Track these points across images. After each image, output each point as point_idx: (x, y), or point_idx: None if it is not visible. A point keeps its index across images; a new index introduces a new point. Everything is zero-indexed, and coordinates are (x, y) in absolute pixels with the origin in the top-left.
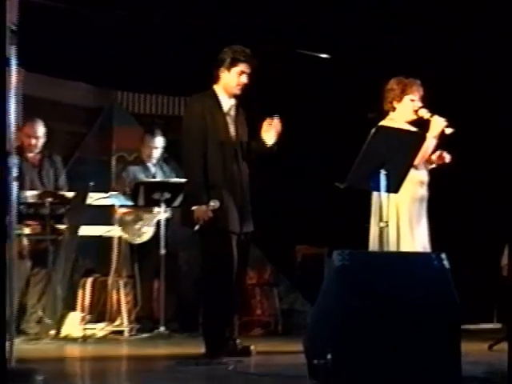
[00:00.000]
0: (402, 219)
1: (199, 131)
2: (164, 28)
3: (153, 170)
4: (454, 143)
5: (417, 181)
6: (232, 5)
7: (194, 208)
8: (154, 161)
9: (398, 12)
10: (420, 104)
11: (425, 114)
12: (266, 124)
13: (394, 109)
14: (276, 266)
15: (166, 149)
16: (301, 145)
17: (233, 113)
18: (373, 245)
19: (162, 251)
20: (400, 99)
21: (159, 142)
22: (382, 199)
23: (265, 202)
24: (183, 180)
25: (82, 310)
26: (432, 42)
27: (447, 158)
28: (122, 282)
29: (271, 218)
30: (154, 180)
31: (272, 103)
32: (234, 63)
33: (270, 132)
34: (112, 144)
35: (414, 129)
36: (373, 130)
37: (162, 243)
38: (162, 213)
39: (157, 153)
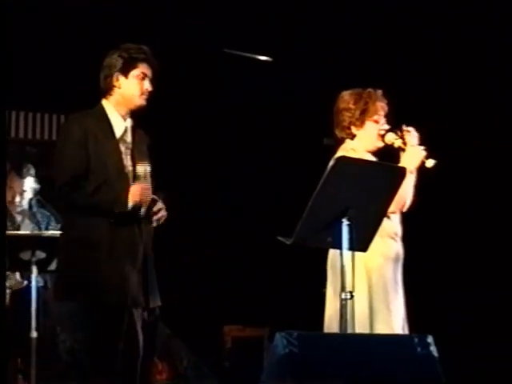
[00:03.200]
0: (374, 288)
1: (77, 167)
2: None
3: (18, 218)
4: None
5: (389, 233)
6: None
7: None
8: (19, 209)
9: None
10: (386, 126)
11: (395, 140)
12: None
13: (352, 136)
14: (196, 355)
15: (41, 189)
16: (228, 184)
17: (129, 139)
18: (330, 323)
19: (34, 334)
20: (361, 123)
21: (28, 183)
22: (344, 260)
23: (178, 265)
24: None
25: None
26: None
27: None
28: None
29: (187, 287)
30: (22, 233)
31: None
32: (131, 64)
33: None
34: None
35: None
36: (331, 163)
37: (34, 322)
38: (33, 279)
39: (25, 198)
